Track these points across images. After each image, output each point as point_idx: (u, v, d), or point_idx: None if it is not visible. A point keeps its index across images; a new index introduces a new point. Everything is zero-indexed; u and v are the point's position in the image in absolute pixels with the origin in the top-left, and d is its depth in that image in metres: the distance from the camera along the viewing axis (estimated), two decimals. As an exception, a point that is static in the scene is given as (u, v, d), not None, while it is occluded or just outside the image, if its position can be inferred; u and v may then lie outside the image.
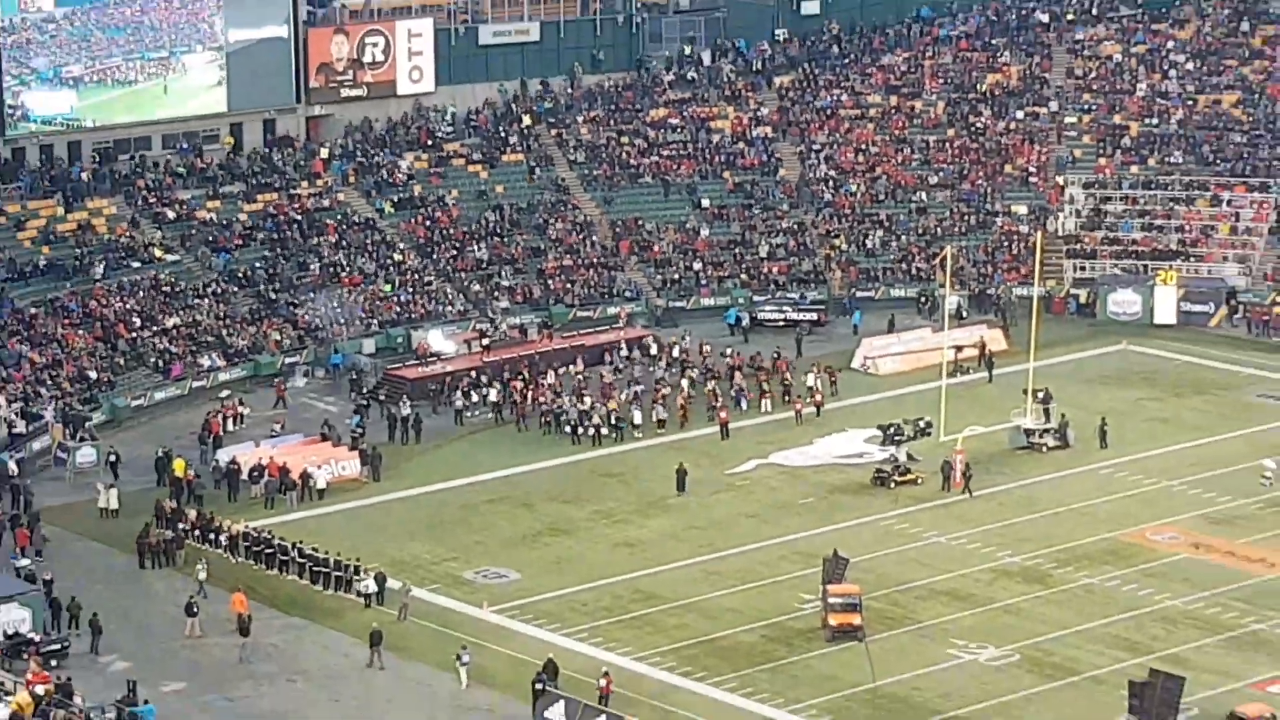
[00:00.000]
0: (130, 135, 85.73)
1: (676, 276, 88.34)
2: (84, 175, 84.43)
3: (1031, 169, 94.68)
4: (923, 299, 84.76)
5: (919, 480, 69.10)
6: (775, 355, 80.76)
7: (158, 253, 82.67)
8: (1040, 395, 73.90)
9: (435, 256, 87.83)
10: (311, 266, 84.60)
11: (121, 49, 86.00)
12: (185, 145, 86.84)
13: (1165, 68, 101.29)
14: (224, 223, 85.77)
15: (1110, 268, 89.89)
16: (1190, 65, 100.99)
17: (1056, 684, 53.96)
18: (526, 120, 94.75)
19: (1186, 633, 57.01)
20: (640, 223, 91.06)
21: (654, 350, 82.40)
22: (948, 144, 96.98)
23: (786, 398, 77.74)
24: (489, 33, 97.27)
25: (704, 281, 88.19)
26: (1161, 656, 53.94)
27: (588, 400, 78.06)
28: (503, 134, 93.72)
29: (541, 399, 77.44)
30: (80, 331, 77.90)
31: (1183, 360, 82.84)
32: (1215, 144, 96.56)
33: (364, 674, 53.82)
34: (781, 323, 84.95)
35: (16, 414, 71.30)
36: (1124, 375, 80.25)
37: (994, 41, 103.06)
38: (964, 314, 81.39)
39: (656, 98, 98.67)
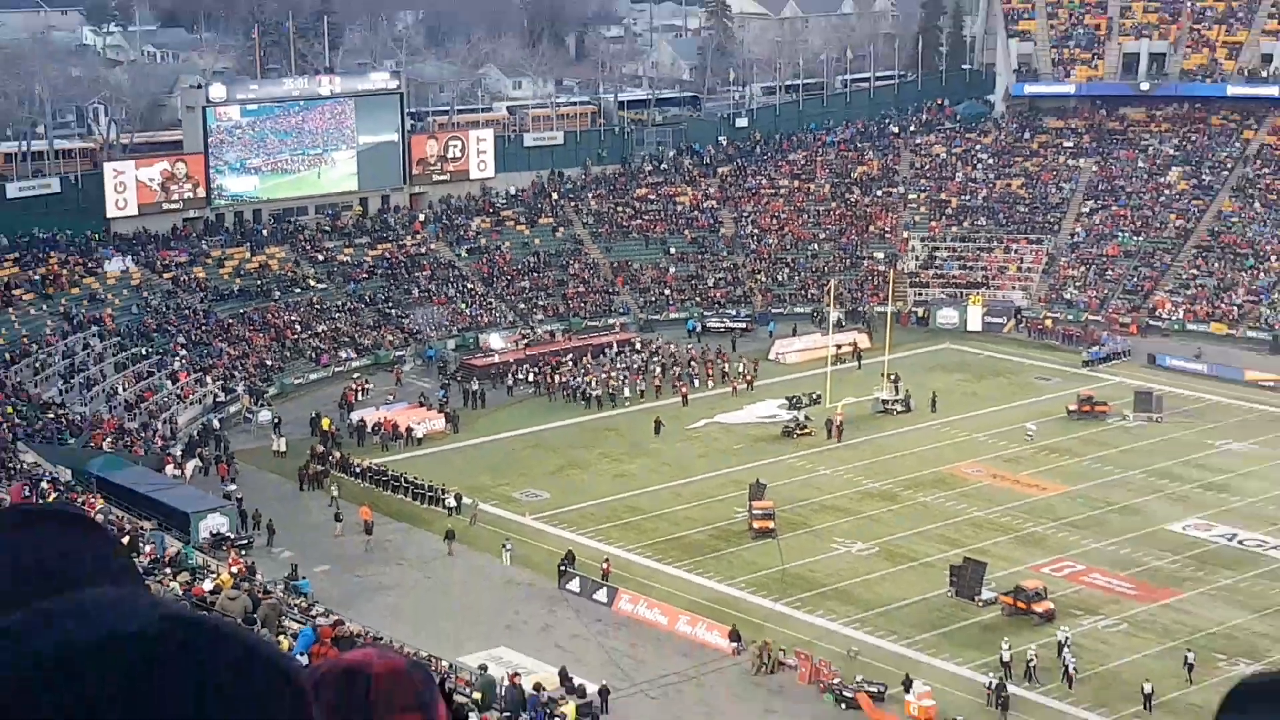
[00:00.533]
0: (294, 205, 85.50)
1: (653, 299, 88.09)
2: (263, 232, 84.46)
3: (886, 229, 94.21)
4: (815, 314, 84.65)
5: (811, 433, 69.33)
6: (718, 350, 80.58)
7: (311, 282, 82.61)
8: (892, 377, 74.67)
9: (495, 285, 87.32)
10: (413, 291, 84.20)
11: (289, 147, 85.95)
12: (330, 211, 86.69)
13: (975, 162, 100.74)
14: (355, 262, 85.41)
15: (938, 294, 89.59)
16: (991, 160, 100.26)
17: (902, 567, 57.42)
18: (554, 196, 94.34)
19: (988, 534, 61.22)
20: (629, 263, 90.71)
21: (638, 346, 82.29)
22: (831, 212, 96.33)
23: (725, 378, 77.09)
24: (530, 139, 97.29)
25: (671, 302, 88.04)
26: (971, 549, 57.44)
27: (594, 379, 77.43)
28: (539, 205, 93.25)
29: (563, 379, 76.47)
30: (260, 334, 78.18)
31: (985, 355, 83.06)
32: (1007, 212, 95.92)
33: (445, 559, 57.48)
34: (722, 329, 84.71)
35: (219, 389, 71.94)
36: (947, 365, 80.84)
37: (861, 144, 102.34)
38: (842, 324, 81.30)
39: (640, 181, 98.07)
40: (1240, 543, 59.39)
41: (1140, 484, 66.10)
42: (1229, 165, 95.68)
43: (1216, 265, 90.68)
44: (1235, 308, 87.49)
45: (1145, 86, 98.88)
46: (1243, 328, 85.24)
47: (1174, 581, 55.37)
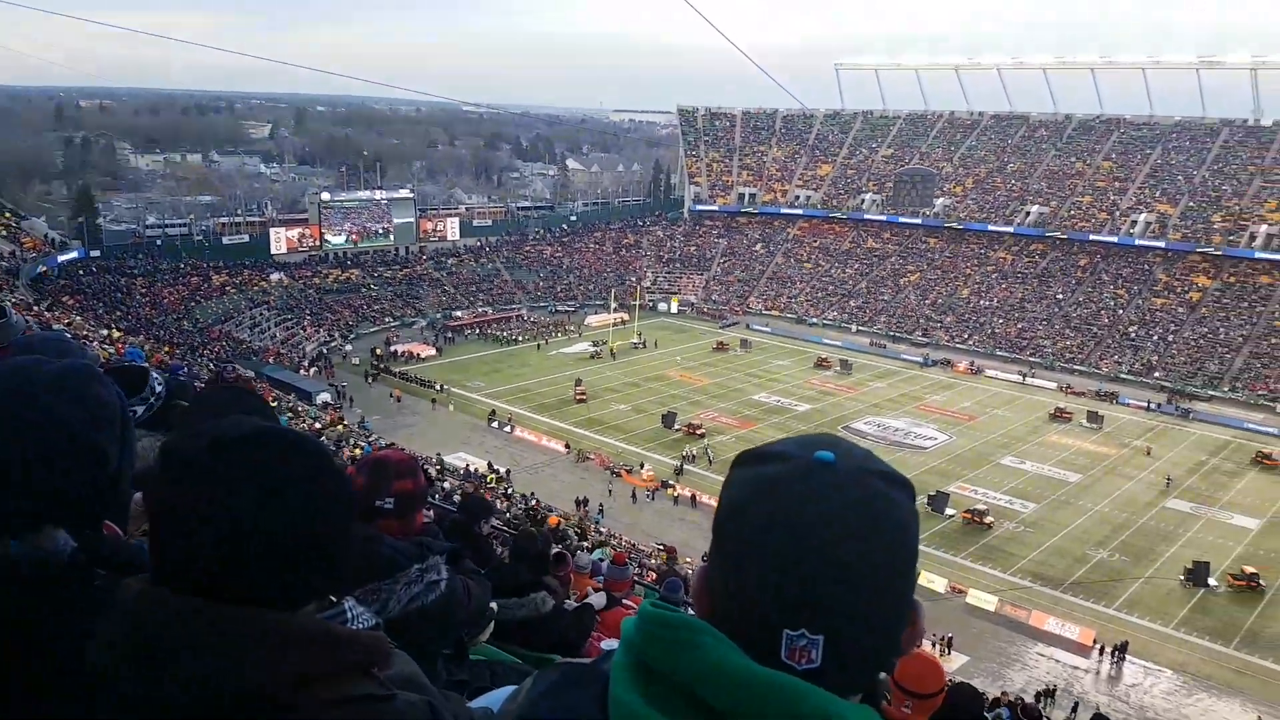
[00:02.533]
0: (361, 250, 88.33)
1: (534, 298, 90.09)
2: (348, 262, 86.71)
3: (637, 268, 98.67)
4: (605, 304, 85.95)
5: (602, 357, 73.40)
6: (563, 319, 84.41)
7: (370, 285, 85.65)
8: (639, 332, 79.17)
9: (460, 289, 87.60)
10: (420, 289, 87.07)
11: (360, 222, 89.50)
12: (379, 254, 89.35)
13: (676, 239, 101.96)
14: (392, 277, 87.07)
15: (658, 295, 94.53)
16: (682, 238, 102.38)
17: (641, 415, 60.14)
18: (486, 249, 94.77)
19: (678, 401, 62.57)
20: (522, 281, 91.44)
21: (525, 317, 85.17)
22: (612, 259, 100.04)
23: (566, 331, 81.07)
24: (475, 223, 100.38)
25: (543, 299, 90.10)
26: (672, 407, 61.39)
27: (506, 332, 79.80)
28: (480, 253, 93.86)
29: (492, 332, 78.27)
30: (346, 309, 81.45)
31: (679, 323, 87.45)
32: (689, 261, 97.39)
33: (433, 413, 59.59)
34: (565, 310, 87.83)
35: (327, 335, 74.90)
36: (663, 327, 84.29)
37: (627, 230, 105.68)
38: (616, 309, 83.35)
39: (526, 243, 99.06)
40: (780, 403, 63.93)
41: (743, 378, 69.98)
42: (777, 241, 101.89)
43: (772, 284, 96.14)
44: (792, 300, 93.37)
45: (749, 207, 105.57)
46: (792, 317, 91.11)
47: (756, 419, 59.91)
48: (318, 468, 1.32)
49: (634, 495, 46.15)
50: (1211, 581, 37.93)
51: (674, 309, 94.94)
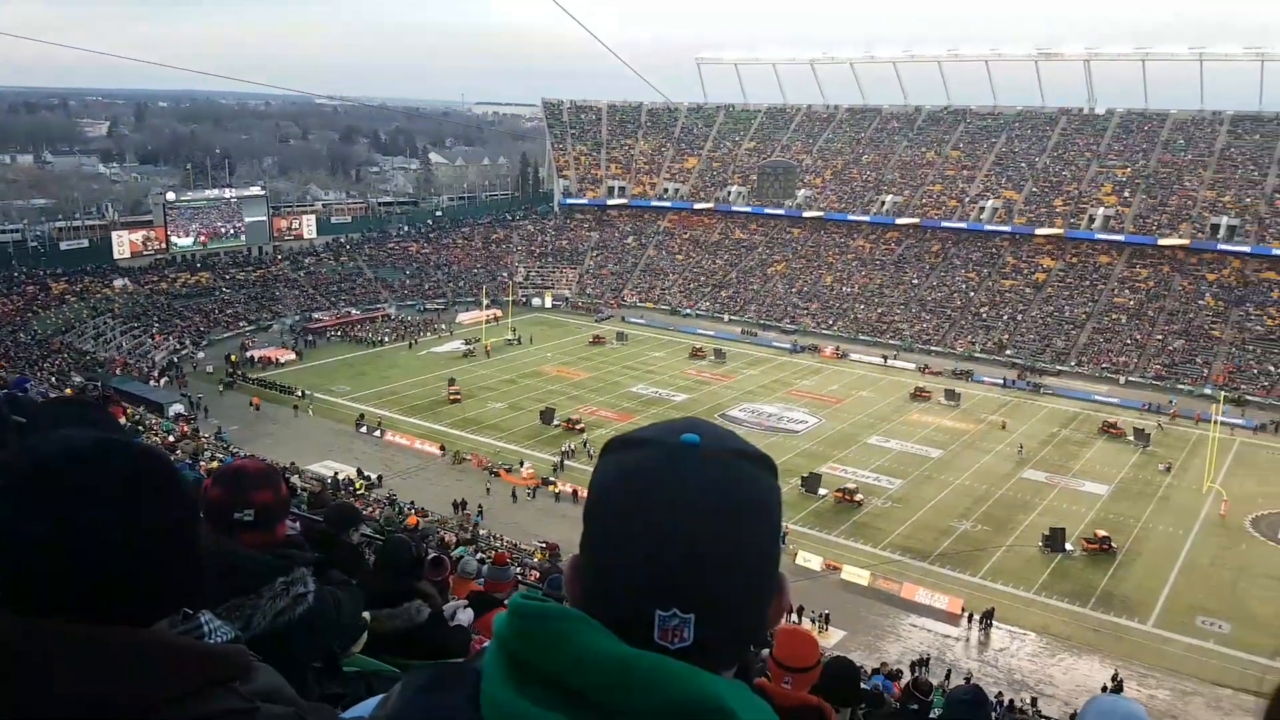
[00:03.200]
0: (212, 252, 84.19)
1: (400, 297, 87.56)
2: (197, 264, 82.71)
3: (509, 263, 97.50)
4: (476, 301, 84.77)
5: (476, 354, 72.02)
6: (432, 318, 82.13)
7: (223, 288, 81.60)
8: (513, 328, 78.29)
9: (318, 289, 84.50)
10: (276, 292, 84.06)
11: (209, 222, 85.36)
12: (231, 255, 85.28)
13: (547, 234, 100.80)
14: (245, 279, 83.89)
15: (531, 291, 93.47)
16: (553, 232, 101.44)
17: (519, 412, 59.99)
18: (348, 248, 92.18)
19: (557, 397, 62.65)
20: (387, 280, 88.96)
21: (391, 316, 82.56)
22: (482, 254, 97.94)
23: (434, 330, 78.98)
24: (334, 220, 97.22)
25: (409, 297, 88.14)
26: (550, 403, 60.93)
27: (369, 333, 77.84)
28: (339, 251, 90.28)
29: (355, 334, 76.43)
30: (197, 315, 77.12)
31: (554, 318, 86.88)
32: (563, 255, 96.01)
33: (295, 420, 58.00)
34: (434, 309, 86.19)
35: (177, 343, 70.76)
36: (538, 322, 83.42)
37: (496, 225, 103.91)
38: (488, 305, 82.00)
39: (389, 240, 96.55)
40: (658, 394, 63.96)
41: (620, 371, 69.89)
42: (649, 234, 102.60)
43: (646, 276, 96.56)
44: (665, 292, 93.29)
45: (619, 199, 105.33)
46: (666, 309, 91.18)
47: (634, 411, 59.58)
48: (159, 478, 1.29)
49: (514, 494, 45.79)
50: (1068, 546, 40.09)
51: (548, 304, 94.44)
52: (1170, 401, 63.40)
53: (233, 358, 69.56)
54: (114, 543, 1.19)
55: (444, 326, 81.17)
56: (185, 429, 49.28)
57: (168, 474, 1.30)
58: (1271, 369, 66.39)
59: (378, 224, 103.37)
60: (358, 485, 44.54)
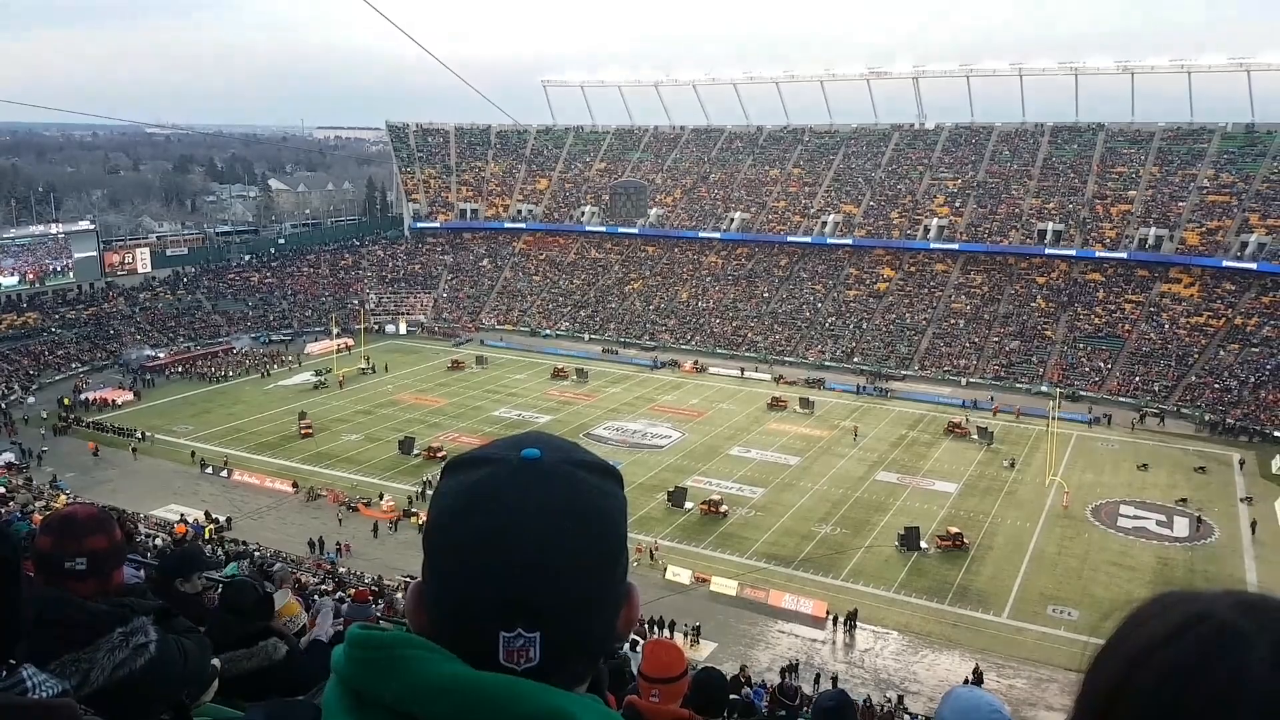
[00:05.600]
0: (40, 291, 78.60)
1: (243, 329, 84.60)
2: (24, 305, 78.56)
3: (359, 290, 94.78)
4: (325, 330, 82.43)
5: (327, 386, 69.09)
6: (279, 349, 79.35)
7: (53, 328, 76.27)
8: (367, 357, 75.78)
9: (155, 325, 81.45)
10: (112, 328, 79.49)
11: (37, 259, 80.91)
12: (60, 293, 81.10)
13: (399, 259, 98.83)
14: (77, 318, 79.41)
15: (385, 318, 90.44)
16: (404, 257, 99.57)
17: (376, 444, 58.03)
18: (186, 280, 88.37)
19: (414, 426, 61.01)
20: (230, 312, 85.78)
21: (237, 350, 79.66)
22: (328, 281, 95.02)
23: (283, 363, 75.50)
24: (170, 252, 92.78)
25: (252, 329, 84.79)
26: (409, 432, 58.99)
27: (213, 369, 74.88)
28: (178, 284, 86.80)
29: (198, 370, 73.91)
30: (24, 358, 72.86)
31: (408, 344, 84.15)
32: (399, 282, 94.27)
33: (134, 462, 54.63)
34: (281, 340, 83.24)
35: (4, 387, 66.86)
36: (391, 350, 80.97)
37: (344, 251, 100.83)
38: (338, 335, 79.78)
39: (229, 271, 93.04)
40: (521, 416, 63.12)
41: (482, 395, 68.53)
42: (504, 256, 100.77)
43: (503, 299, 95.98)
44: (524, 314, 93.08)
45: (472, 223, 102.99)
46: (526, 330, 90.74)
47: (498, 435, 56.84)
48: None
49: (375, 529, 44.56)
50: (923, 544, 41.22)
51: (403, 330, 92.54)
52: (990, 398, 66.36)
53: (66, 401, 66.03)
54: None
55: (291, 358, 78.68)
56: (16, 480, 45.60)
57: None
58: (1101, 365, 69.58)
59: (217, 255, 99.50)
60: (207, 529, 42.34)
